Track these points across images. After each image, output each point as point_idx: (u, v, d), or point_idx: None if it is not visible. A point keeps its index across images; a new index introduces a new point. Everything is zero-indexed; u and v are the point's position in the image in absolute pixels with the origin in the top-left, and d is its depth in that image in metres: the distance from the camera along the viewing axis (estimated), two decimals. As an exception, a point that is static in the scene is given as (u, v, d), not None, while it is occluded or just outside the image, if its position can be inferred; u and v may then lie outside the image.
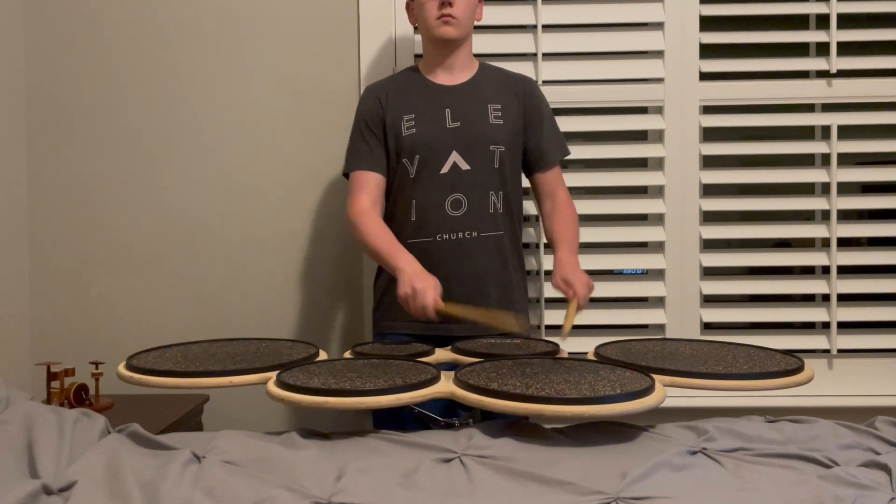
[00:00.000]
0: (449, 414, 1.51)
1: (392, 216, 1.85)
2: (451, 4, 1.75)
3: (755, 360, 1.47)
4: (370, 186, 1.81)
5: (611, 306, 2.16)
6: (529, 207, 2.09)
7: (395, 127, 1.81)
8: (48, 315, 2.18)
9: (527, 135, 1.86)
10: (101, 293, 2.18)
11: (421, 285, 1.59)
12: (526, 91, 1.88)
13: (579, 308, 1.66)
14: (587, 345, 1.76)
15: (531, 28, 2.13)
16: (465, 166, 1.79)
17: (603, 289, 2.15)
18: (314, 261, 2.17)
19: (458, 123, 1.80)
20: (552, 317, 2.13)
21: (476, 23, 1.87)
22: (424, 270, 1.65)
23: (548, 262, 2.11)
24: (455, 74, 1.85)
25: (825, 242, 2.17)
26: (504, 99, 1.84)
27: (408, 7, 1.89)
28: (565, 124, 2.14)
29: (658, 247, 2.18)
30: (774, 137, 2.20)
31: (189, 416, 1.91)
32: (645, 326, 2.18)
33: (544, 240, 2.10)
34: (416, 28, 2.07)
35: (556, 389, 1.26)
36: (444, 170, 1.79)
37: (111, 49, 2.17)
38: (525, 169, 1.90)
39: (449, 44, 1.81)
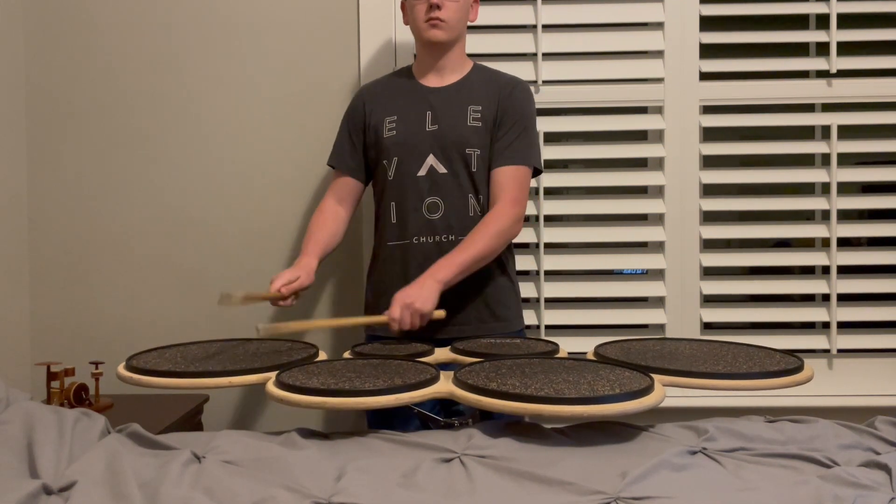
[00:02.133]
0: (445, 414, 1.51)
1: (378, 218, 1.87)
2: (439, 7, 1.74)
3: (755, 359, 1.47)
4: (337, 188, 1.89)
5: (611, 306, 2.16)
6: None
7: (378, 128, 1.82)
8: (48, 315, 2.18)
9: (497, 131, 1.80)
10: (101, 293, 2.18)
11: (286, 276, 1.67)
12: (508, 93, 1.82)
13: (394, 323, 1.62)
14: (587, 345, 1.76)
15: (531, 28, 2.13)
16: (441, 169, 1.78)
17: (603, 289, 2.16)
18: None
19: (437, 126, 1.79)
20: (552, 317, 2.13)
21: (470, 23, 1.86)
22: (298, 266, 1.72)
23: (547, 263, 2.12)
24: (445, 76, 1.84)
25: (825, 242, 2.17)
26: (486, 100, 1.81)
27: (403, 6, 1.88)
28: (565, 124, 2.15)
29: (658, 247, 2.18)
30: (774, 137, 2.20)
31: (189, 416, 1.91)
32: (645, 326, 2.18)
33: (545, 240, 2.10)
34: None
35: (556, 389, 1.26)
36: (422, 172, 1.78)
37: (111, 49, 2.17)
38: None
39: (438, 46, 1.80)
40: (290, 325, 1.61)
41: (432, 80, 1.85)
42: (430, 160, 1.78)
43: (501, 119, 1.80)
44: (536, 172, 1.85)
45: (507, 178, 1.77)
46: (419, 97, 1.83)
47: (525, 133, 1.80)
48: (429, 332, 1.70)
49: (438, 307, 1.66)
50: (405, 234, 1.79)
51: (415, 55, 2.07)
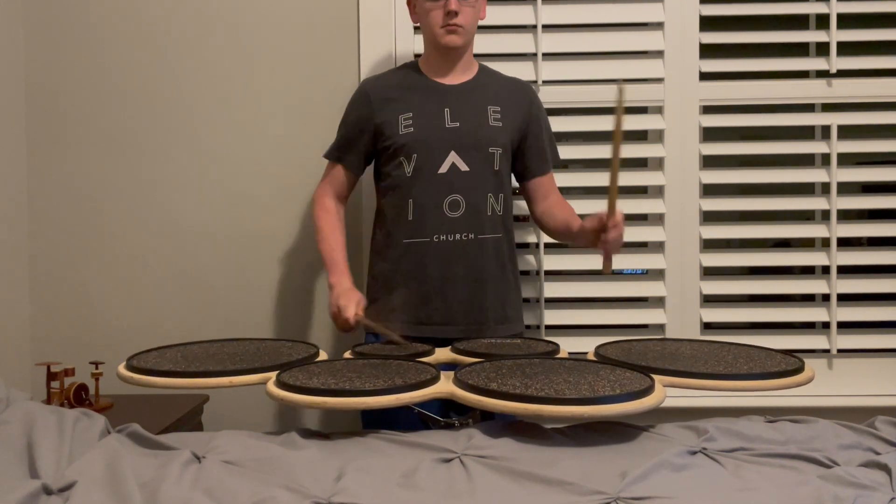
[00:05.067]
0: (446, 415, 1.51)
1: (387, 214, 1.84)
2: (457, 13, 1.74)
3: (755, 360, 1.47)
4: (337, 180, 1.89)
5: (611, 306, 2.16)
6: (521, 208, 2.09)
7: (390, 125, 1.80)
8: (48, 315, 2.18)
9: (528, 140, 1.86)
10: (101, 293, 2.18)
11: (343, 303, 1.69)
12: (530, 98, 1.89)
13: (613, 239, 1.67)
14: (587, 345, 1.76)
15: (531, 28, 2.13)
16: (463, 167, 1.78)
17: (603, 289, 2.16)
18: (315, 261, 2.16)
19: (458, 123, 1.79)
20: (552, 317, 2.13)
21: (480, 22, 1.86)
22: (351, 288, 1.75)
23: (548, 263, 2.12)
24: (456, 75, 1.85)
25: (825, 242, 2.17)
26: (504, 102, 1.84)
27: (409, 3, 1.87)
28: (565, 124, 2.15)
29: (658, 247, 2.18)
30: (774, 137, 2.20)
31: (189, 416, 1.91)
32: (645, 326, 2.18)
33: (545, 240, 2.10)
34: (416, 27, 2.07)
35: (556, 389, 1.26)
36: (443, 170, 1.78)
37: (111, 50, 2.17)
38: (520, 174, 1.90)
39: (454, 51, 1.81)
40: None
41: (444, 78, 1.84)
42: (452, 157, 1.78)
43: (528, 128, 1.87)
44: None
45: (552, 182, 1.95)
46: (433, 94, 1.82)
47: (550, 136, 1.94)
48: (437, 332, 1.73)
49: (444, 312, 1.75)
50: (424, 232, 1.78)
51: (416, 55, 2.07)
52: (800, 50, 2.21)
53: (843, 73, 2.12)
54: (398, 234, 1.80)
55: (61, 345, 2.16)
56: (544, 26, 2.11)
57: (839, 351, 2.13)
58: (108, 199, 2.18)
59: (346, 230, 1.90)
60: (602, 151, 2.16)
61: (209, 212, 2.17)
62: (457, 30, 1.76)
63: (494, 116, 1.81)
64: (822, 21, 2.14)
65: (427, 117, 1.80)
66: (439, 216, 1.77)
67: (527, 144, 1.87)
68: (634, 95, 2.15)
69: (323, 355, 1.59)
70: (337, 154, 1.88)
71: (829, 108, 2.18)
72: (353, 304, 1.68)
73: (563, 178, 2.16)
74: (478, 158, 1.79)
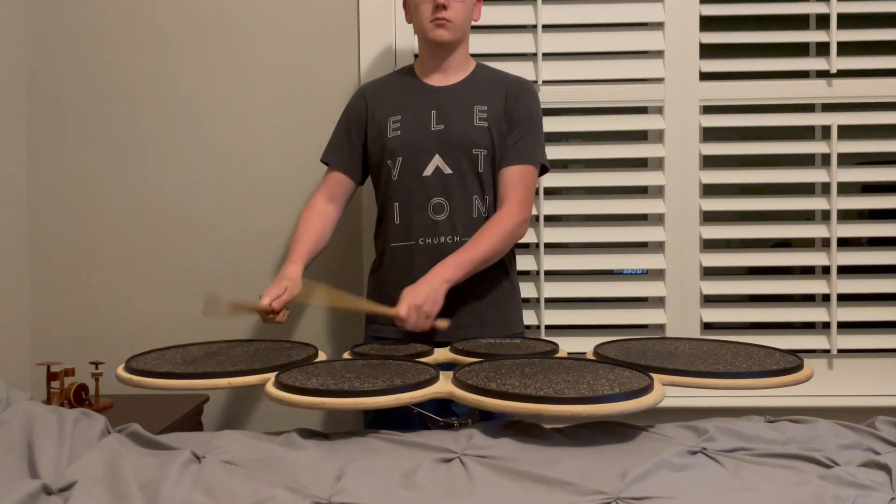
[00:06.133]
0: (445, 414, 1.51)
1: (380, 218, 1.86)
2: (445, 7, 1.73)
3: (754, 358, 1.47)
4: (330, 184, 1.86)
5: (611, 306, 2.17)
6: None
7: (381, 128, 1.81)
8: (48, 315, 2.18)
9: (505, 134, 1.81)
10: (101, 293, 2.18)
11: (263, 292, 1.64)
12: (515, 93, 1.82)
13: (400, 322, 1.62)
14: (587, 345, 1.76)
15: (531, 28, 2.13)
16: (447, 170, 1.77)
17: (603, 289, 2.16)
18: (314, 261, 2.16)
19: (442, 126, 1.78)
20: (552, 317, 2.13)
21: (473, 23, 1.85)
22: (285, 276, 1.68)
23: (547, 263, 2.12)
24: (449, 75, 1.84)
25: (825, 242, 2.17)
26: (492, 100, 1.81)
27: (405, 5, 1.87)
28: (565, 124, 2.15)
29: (658, 247, 2.18)
30: (774, 137, 2.20)
31: (189, 417, 1.91)
32: (645, 326, 2.18)
33: (545, 240, 2.10)
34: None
35: (555, 389, 1.26)
36: (427, 173, 1.77)
37: (111, 48, 2.17)
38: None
39: (443, 46, 1.79)
40: (300, 296, 1.65)
41: (436, 79, 1.84)
42: (436, 160, 1.77)
43: (508, 119, 1.80)
44: (543, 170, 1.86)
45: (515, 178, 1.78)
46: (423, 96, 1.82)
47: (531, 132, 1.81)
48: (429, 335, 1.70)
49: (441, 313, 1.66)
50: (409, 236, 1.78)
51: (415, 55, 2.07)
52: (800, 50, 2.21)
53: (843, 73, 2.12)
54: (388, 237, 1.81)
55: (61, 345, 2.17)
56: (544, 26, 2.11)
57: (839, 351, 2.13)
58: (108, 198, 2.18)
59: (331, 228, 1.86)
60: (602, 151, 2.16)
61: (209, 212, 2.17)
62: (445, 24, 1.75)
63: (480, 116, 1.79)
64: (822, 21, 2.14)
65: (414, 120, 1.79)
66: (424, 219, 1.77)
67: (502, 136, 1.81)
68: (634, 95, 2.15)
69: (322, 356, 1.59)
70: (329, 156, 1.88)
71: (829, 108, 2.18)
72: (268, 295, 1.62)
73: (563, 178, 2.18)
74: (461, 161, 1.77)
